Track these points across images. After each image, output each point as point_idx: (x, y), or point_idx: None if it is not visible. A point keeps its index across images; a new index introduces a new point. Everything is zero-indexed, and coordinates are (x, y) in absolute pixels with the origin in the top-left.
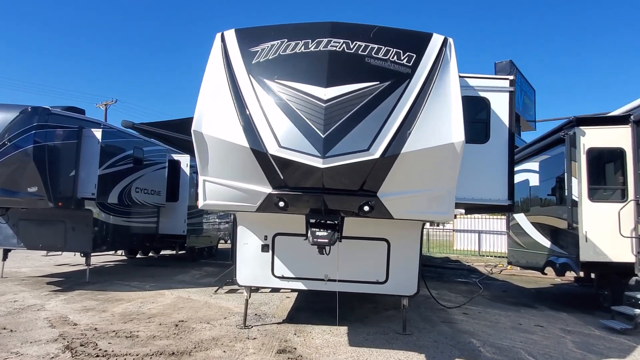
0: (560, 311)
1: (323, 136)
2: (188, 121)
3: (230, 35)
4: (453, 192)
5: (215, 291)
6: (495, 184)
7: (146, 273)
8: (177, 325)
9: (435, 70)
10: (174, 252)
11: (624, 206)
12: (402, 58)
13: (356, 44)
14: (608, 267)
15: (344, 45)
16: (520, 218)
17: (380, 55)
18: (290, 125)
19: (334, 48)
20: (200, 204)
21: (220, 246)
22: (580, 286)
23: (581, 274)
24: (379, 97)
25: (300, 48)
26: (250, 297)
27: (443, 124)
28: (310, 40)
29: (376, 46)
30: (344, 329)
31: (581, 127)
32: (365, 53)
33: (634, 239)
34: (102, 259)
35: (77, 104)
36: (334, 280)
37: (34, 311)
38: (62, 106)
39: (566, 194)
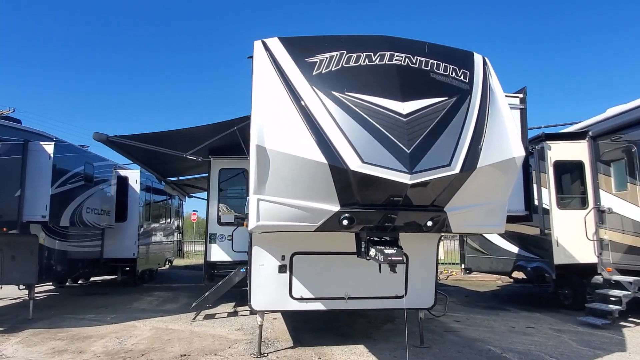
0: (532, 311)
1: (408, 151)
2: (165, 135)
3: (275, 44)
4: (506, 204)
5: (194, 318)
6: (513, 196)
7: (94, 304)
8: None
9: (487, 87)
10: (104, 277)
11: (588, 212)
12: (459, 74)
13: (417, 58)
14: (576, 268)
15: (407, 59)
16: None
17: (441, 71)
18: (373, 140)
19: (399, 62)
20: (252, 225)
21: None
22: (537, 286)
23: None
24: (450, 113)
25: (365, 60)
26: (263, 322)
27: (504, 139)
28: (372, 53)
29: (435, 62)
30: (362, 348)
31: (548, 142)
32: (428, 68)
33: (595, 242)
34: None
35: None
36: (354, 298)
37: None
38: None
39: (537, 203)
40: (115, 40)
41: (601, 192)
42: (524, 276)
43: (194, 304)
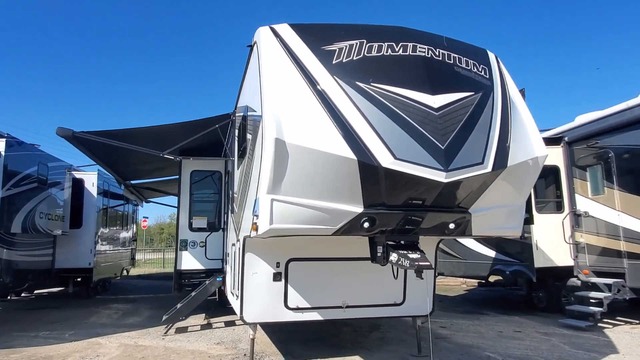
0: (510, 315)
1: (443, 147)
2: (136, 132)
3: (286, 30)
4: (524, 206)
5: (166, 332)
6: None
7: (46, 319)
8: None
9: (505, 84)
10: (51, 290)
11: (565, 216)
12: (479, 70)
13: (439, 51)
14: (553, 271)
15: (430, 52)
16: None
17: (464, 65)
18: (404, 134)
19: (423, 53)
20: (264, 229)
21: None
22: (508, 290)
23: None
24: (478, 108)
25: (387, 50)
26: (255, 335)
27: (527, 137)
28: (394, 43)
29: (456, 55)
30: (359, 359)
31: None
32: (452, 62)
33: (571, 245)
34: None
35: None
36: (353, 307)
37: None
38: None
39: None
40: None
41: (577, 196)
42: (500, 280)
43: (165, 317)
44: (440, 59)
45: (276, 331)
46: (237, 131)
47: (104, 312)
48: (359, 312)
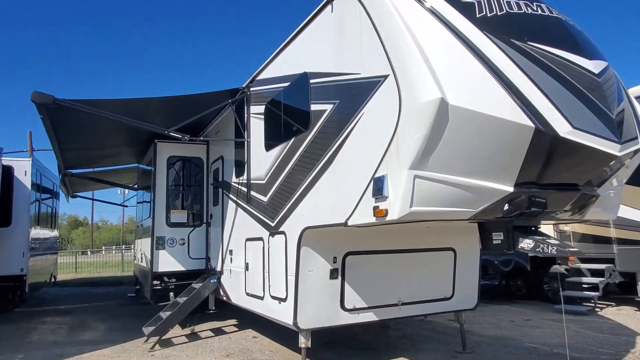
0: (499, 304)
1: (614, 117)
2: (124, 102)
3: None
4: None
5: (152, 347)
6: None
7: None
8: None
9: None
10: None
11: None
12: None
13: (563, 15)
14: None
15: (562, 16)
16: None
17: (585, 34)
18: (576, 101)
19: (557, 15)
20: (400, 212)
21: None
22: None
23: None
24: (616, 79)
25: (527, 9)
26: (309, 343)
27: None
28: (528, 2)
29: (574, 23)
30: None
31: None
32: (579, 28)
33: (556, 233)
34: None
35: None
36: (407, 304)
37: None
38: None
39: None
40: None
41: None
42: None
43: (149, 329)
44: (572, 23)
45: (283, 334)
46: (264, 108)
47: (42, 327)
48: (413, 309)
